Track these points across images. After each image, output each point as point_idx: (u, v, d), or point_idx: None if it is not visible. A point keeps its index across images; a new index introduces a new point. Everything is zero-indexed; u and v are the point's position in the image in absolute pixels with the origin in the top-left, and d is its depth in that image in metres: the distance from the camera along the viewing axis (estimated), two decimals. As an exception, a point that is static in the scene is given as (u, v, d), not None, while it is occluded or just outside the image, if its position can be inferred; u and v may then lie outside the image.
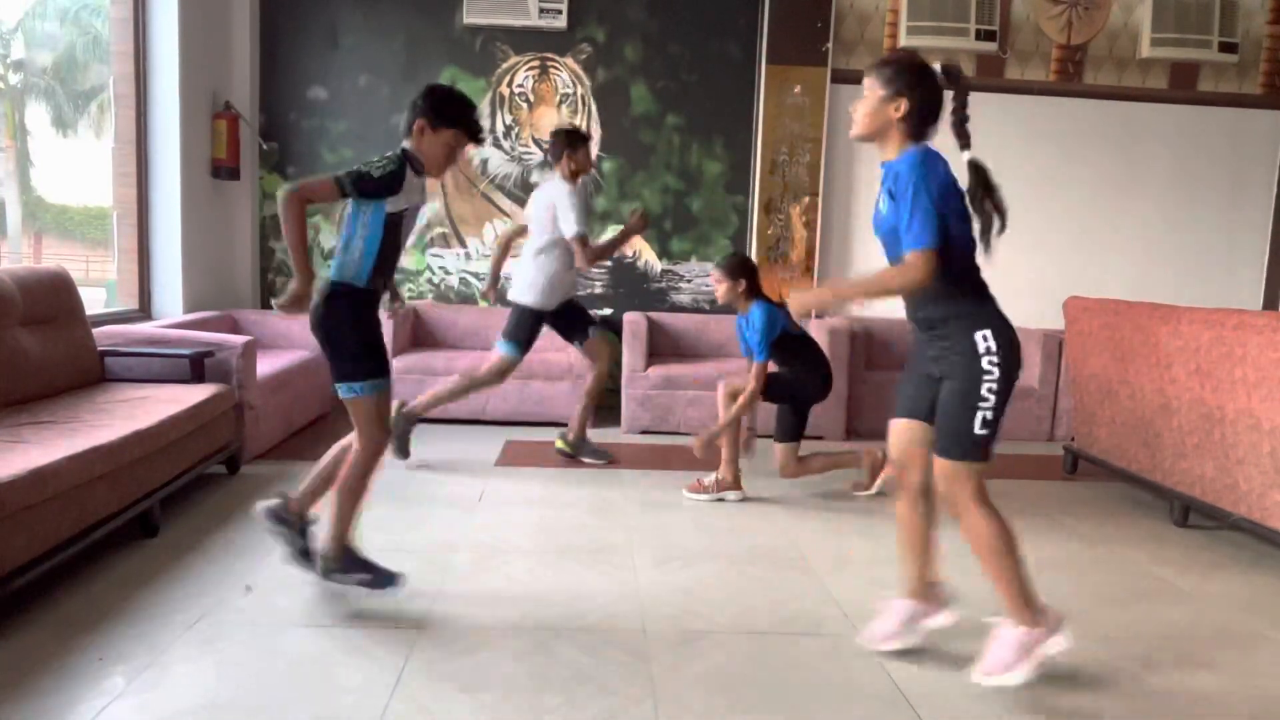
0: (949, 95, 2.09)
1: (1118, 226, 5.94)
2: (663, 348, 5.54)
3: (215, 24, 5.22)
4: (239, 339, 3.94)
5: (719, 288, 3.72)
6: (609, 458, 4.33)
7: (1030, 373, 5.30)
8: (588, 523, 3.40)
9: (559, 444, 4.36)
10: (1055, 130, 5.83)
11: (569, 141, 4.05)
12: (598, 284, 5.80)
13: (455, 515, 3.41)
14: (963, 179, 2.10)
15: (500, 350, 4.09)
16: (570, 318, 4.25)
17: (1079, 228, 5.93)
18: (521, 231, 4.35)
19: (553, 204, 4.01)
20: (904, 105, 1.99)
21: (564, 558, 2.99)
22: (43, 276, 3.56)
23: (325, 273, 2.47)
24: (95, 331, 3.79)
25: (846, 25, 5.67)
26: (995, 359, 1.99)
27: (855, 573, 2.95)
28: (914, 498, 2.25)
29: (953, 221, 1.98)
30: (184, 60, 4.84)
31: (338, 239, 2.47)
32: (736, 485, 3.78)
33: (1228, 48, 5.63)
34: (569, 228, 3.96)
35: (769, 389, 3.72)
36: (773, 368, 3.74)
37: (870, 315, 5.32)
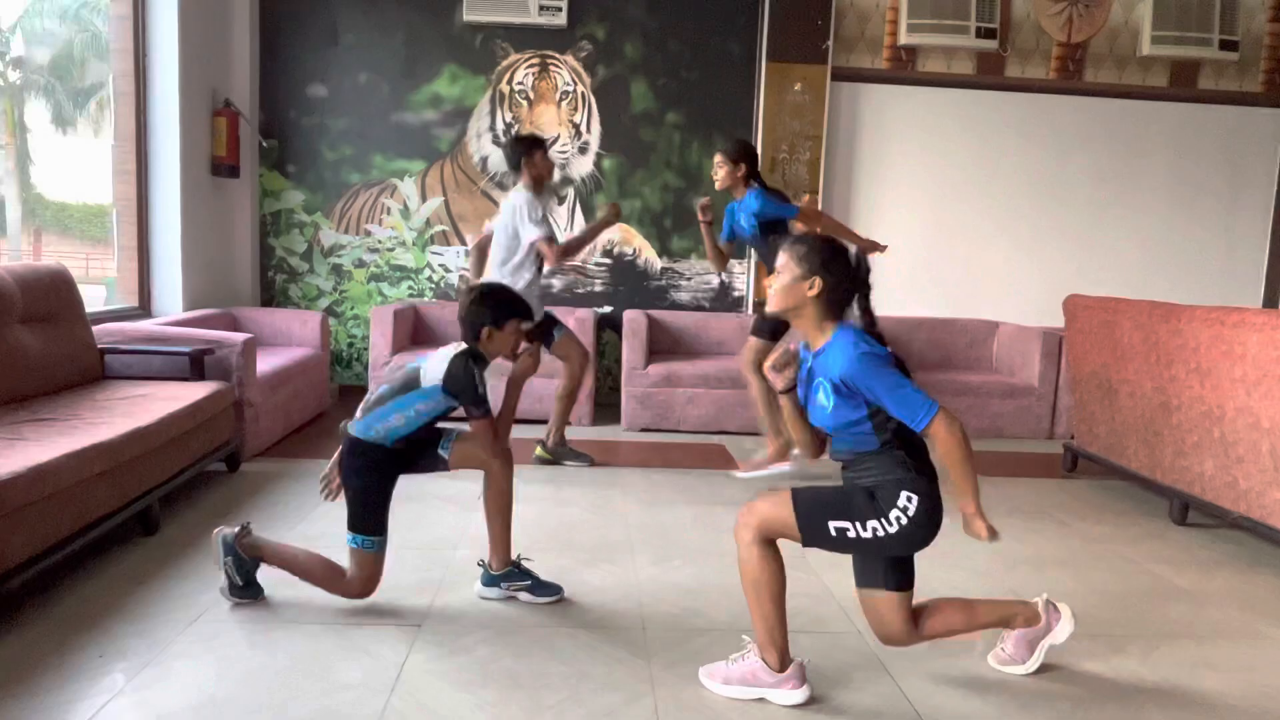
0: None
1: (1118, 224, 5.94)
2: (663, 345, 5.54)
3: (215, 21, 5.22)
4: (239, 336, 3.94)
5: (720, 172, 3.81)
6: (589, 460, 4.23)
7: (1030, 371, 5.31)
8: (587, 520, 3.40)
9: (539, 452, 4.22)
10: (1055, 128, 5.83)
11: (526, 148, 3.95)
12: (597, 282, 5.80)
13: (455, 513, 3.41)
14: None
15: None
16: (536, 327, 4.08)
17: (1079, 225, 5.93)
18: (488, 241, 4.18)
19: (514, 218, 3.92)
20: (817, 284, 1.98)
21: (564, 555, 2.99)
22: (42, 274, 3.56)
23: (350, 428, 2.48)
24: (95, 329, 3.79)
25: (847, 23, 5.66)
26: (903, 520, 1.95)
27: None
28: (752, 543, 2.20)
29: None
30: (184, 57, 4.83)
31: (374, 402, 2.46)
32: (783, 457, 3.88)
33: (1228, 45, 5.63)
34: (529, 233, 3.87)
35: (774, 329, 3.82)
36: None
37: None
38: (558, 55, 5.63)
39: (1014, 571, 3.00)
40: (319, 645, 2.25)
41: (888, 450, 1.99)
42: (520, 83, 5.62)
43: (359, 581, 2.45)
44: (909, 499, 1.96)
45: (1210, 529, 3.56)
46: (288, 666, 2.14)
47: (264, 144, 5.60)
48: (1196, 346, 3.36)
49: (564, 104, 5.65)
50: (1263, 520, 3.10)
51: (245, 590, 2.49)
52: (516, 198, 3.94)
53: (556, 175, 5.69)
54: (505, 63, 5.62)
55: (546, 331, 4.12)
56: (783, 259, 2.04)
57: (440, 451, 2.55)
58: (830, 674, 2.21)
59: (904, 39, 5.57)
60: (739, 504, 3.68)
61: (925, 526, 1.98)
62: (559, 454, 4.23)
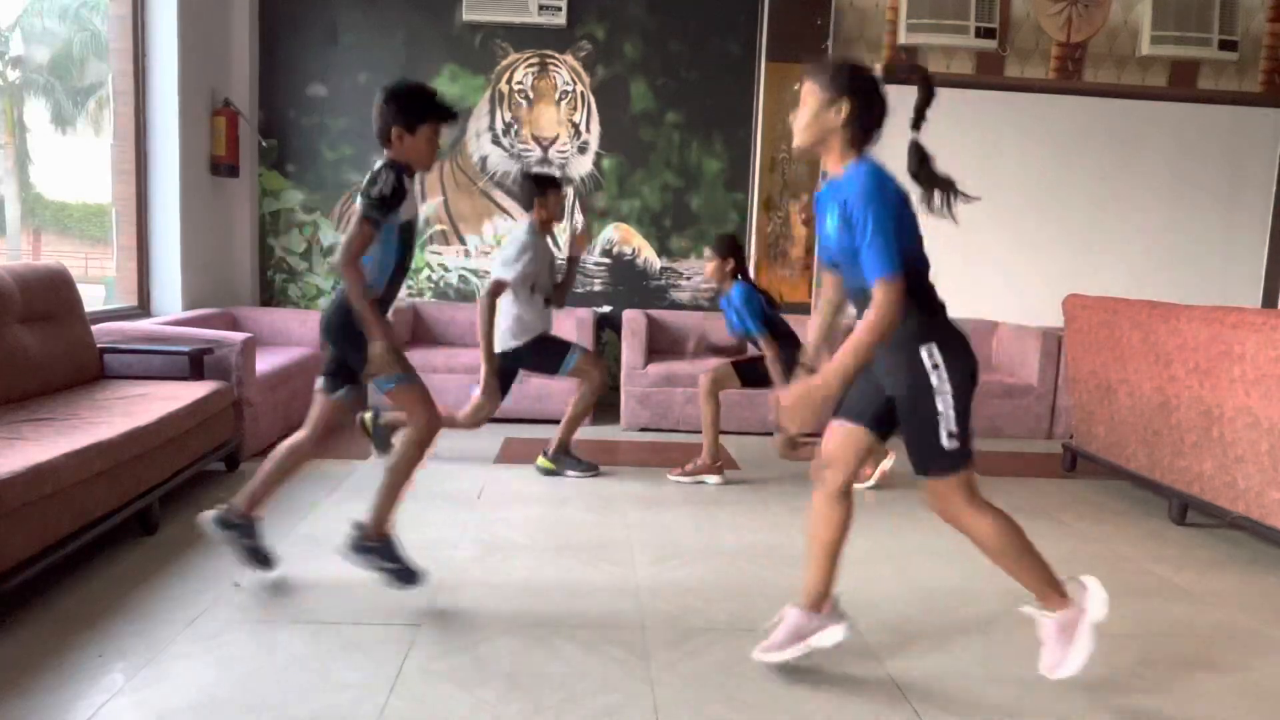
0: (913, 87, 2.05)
1: (1117, 224, 5.94)
2: (662, 345, 5.54)
3: (214, 21, 5.21)
4: (238, 336, 3.94)
5: (709, 266, 3.94)
6: (593, 468, 4.10)
7: (1029, 370, 5.31)
8: (587, 520, 3.40)
9: (540, 461, 4.10)
10: (1055, 128, 5.83)
11: (540, 188, 3.90)
12: (597, 282, 5.80)
13: (454, 512, 3.41)
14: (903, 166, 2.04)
15: (475, 395, 3.94)
16: (543, 354, 4.02)
17: (1078, 225, 5.93)
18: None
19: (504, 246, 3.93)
20: (846, 109, 1.91)
21: (563, 555, 2.99)
22: (42, 273, 3.56)
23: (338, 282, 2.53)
24: (94, 328, 3.78)
25: (846, 22, 5.66)
26: (943, 372, 1.92)
27: (853, 570, 2.94)
28: (830, 499, 2.14)
29: (904, 239, 1.89)
30: (183, 57, 4.83)
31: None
32: (717, 471, 3.96)
33: (1228, 45, 5.63)
34: (495, 265, 3.87)
35: (746, 374, 3.94)
36: (751, 352, 4.00)
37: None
38: (557, 55, 5.62)
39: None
40: (318, 645, 2.25)
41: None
42: (520, 82, 5.62)
43: (424, 414, 2.51)
44: (929, 352, 1.93)
45: (1209, 529, 3.56)
46: (287, 666, 2.14)
47: (263, 143, 5.60)
48: (1195, 346, 3.36)
49: (563, 103, 5.65)
50: (1262, 520, 3.10)
51: (405, 574, 2.53)
52: (517, 233, 3.92)
53: (556, 175, 5.69)
54: (505, 62, 5.62)
55: (557, 359, 4.02)
56: (807, 85, 1.96)
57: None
58: (825, 665, 2.21)
59: (903, 39, 5.57)
60: (738, 502, 3.70)
61: (960, 358, 1.94)
62: (561, 464, 4.09)
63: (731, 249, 3.90)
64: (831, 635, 2.16)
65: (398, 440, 2.64)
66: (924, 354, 1.94)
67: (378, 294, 2.49)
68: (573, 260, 4.14)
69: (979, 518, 2.03)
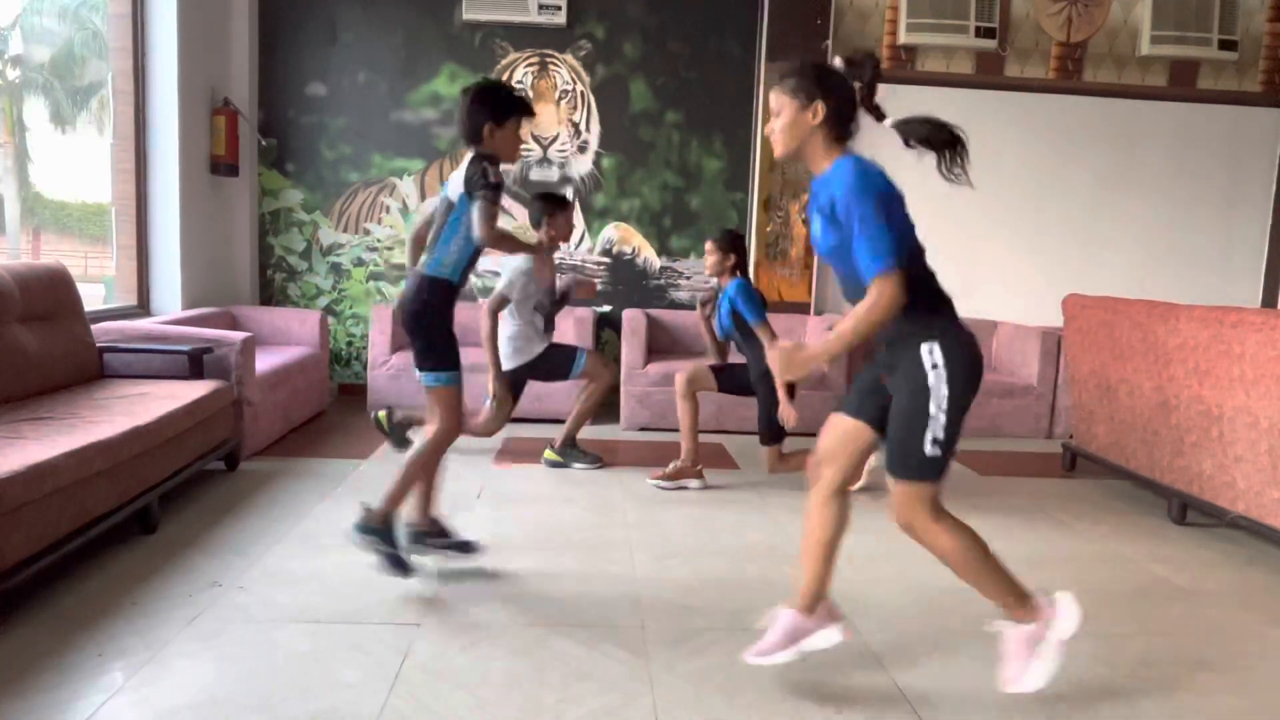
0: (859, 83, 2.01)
1: (1117, 224, 5.94)
2: (662, 345, 5.54)
3: (214, 20, 5.21)
4: (238, 335, 3.94)
5: (710, 258, 3.90)
6: (598, 460, 4.22)
7: (1029, 370, 5.31)
8: (586, 519, 3.40)
9: (547, 454, 4.20)
10: (1054, 128, 5.83)
11: (549, 208, 3.95)
12: (596, 281, 5.80)
13: (454, 512, 3.41)
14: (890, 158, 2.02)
15: (488, 405, 4.06)
16: (550, 364, 4.11)
17: (1078, 225, 5.93)
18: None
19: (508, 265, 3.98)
20: (820, 109, 1.91)
21: (563, 554, 2.99)
22: (41, 272, 3.56)
23: (422, 269, 2.61)
24: (94, 328, 3.78)
25: (846, 22, 5.66)
26: (943, 373, 1.87)
27: (852, 570, 2.95)
28: (826, 496, 2.10)
29: (896, 230, 1.86)
30: (183, 56, 4.83)
31: (433, 240, 2.60)
32: (697, 475, 3.93)
33: (1227, 45, 5.63)
34: (500, 281, 3.94)
35: (726, 380, 3.92)
36: (735, 359, 4.01)
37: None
38: (557, 54, 5.62)
39: (1012, 570, 3.00)
40: (318, 644, 2.25)
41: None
42: (519, 82, 5.62)
43: (452, 418, 2.61)
44: (930, 350, 1.88)
45: (1209, 528, 3.56)
46: (287, 665, 2.14)
47: (263, 143, 5.60)
48: (1195, 346, 3.36)
49: (563, 103, 5.65)
50: (1261, 519, 3.10)
51: (397, 562, 2.61)
52: (518, 261, 3.96)
53: (555, 174, 5.69)
54: (504, 61, 5.62)
55: (564, 367, 4.12)
56: (776, 98, 1.96)
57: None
58: (825, 668, 2.21)
59: (903, 38, 5.57)
60: (737, 502, 3.70)
61: (964, 362, 1.89)
62: (567, 456, 4.20)
63: (734, 244, 3.89)
64: (827, 637, 2.12)
65: (415, 436, 2.68)
66: (924, 351, 1.89)
67: (454, 283, 2.61)
68: (563, 297, 4.17)
69: (940, 532, 1.96)
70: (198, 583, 2.61)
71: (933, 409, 1.88)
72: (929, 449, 1.89)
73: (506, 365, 4.03)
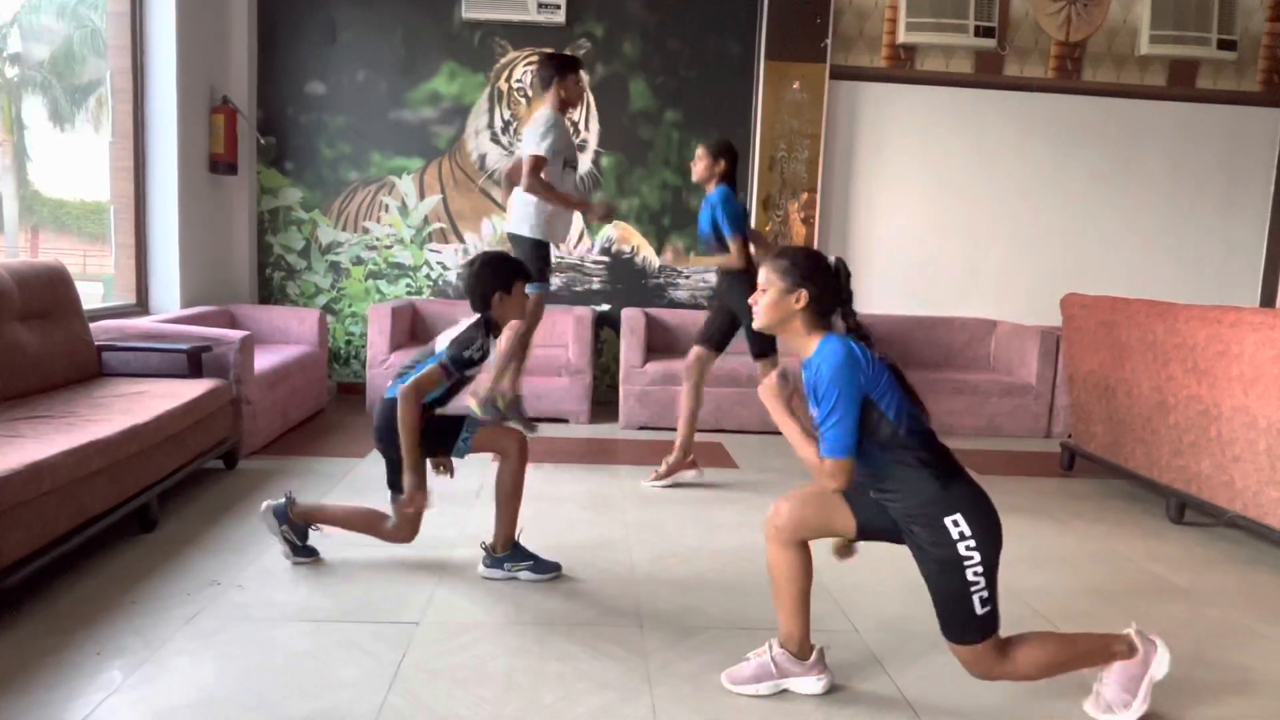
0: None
1: (1115, 223, 5.95)
2: (660, 343, 5.54)
3: (213, 18, 5.21)
4: (236, 334, 3.93)
5: (698, 164, 3.80)
6: (528, 423, 4.11)
7: (1028, 369, 5.31)
8: (585, 518, 3.40)
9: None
10: (1054, 127, 5.83)
11: (558, 68, 3.87)
12: (595, 280, 5.80)
13: (452, 510, 3.41)
14: None
15: (528, 290, 3.93)
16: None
17: (1077, 224, 5.93)
18: (518, 167, 4.04)
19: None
20: (803, 296, 1.98)
21: (561, 553, 2.99)
22: (40, 270, 3.55)
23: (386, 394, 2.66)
24: (92, 326, 3.78)
25: (845, 21, 5.66)
26: (972, 543, 1.90)
27: (850, 569, 2.95)
28: (784, 546, 2.08)
29: (884, 400, 1.91)
30: (181, 54, 4.82)
31: (407, 368, 2.65)
32: (691, 465, 3.91)
33: (1226, 45, 5.63)
34: (528, 145, 3.79)
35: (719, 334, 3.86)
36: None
37: (861, 312, 5.32)
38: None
39: (1011, 569, 2.99)
40: (316, 642, 2.25)
41: (898, 458, 1.93)
42: (519, 80, 5.62)
43: (404, 530, 2.71)
44: (954, 521, 1.90)
45: (1207, 528, 3.56)
46: (285, 664, 2.14)
47: (262, 141, 5.60)
48: (1194, 345, 3.36)
49: (562, 102, 5.64)
50: (1259, 519, 3.11)
51: (305, 550, 2.80)
52: (538, 114, 3.87)
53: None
54: (504, 60, 5.62)
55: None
56: (765, 275, 2.03)
57: (465, 432, 2.69)
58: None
59: (903, 37, 5.57)
60: (736, 501, 3.70)
61: (986, 521, 1.92)
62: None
63: (726, 151, 3.76)
64: (809, 686, 2.10)
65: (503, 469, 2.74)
66: (949, 525, 1.91)
67: (423, 405, 2.63)
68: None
69: (1017, 663, 1.99)
70: (196, 581, 2.61)
71: (971, 576, 1.92)
72: (980, 610, 1.93)
73: (530, 232, 3.92)
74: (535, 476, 3.97)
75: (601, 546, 3.08)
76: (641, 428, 5.08)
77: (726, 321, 3.89)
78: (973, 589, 1.91)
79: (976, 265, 5.86)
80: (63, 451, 2.48)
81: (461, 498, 3.57)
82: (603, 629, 2.41)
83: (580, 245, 5.78)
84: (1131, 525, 3.60)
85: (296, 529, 2.77)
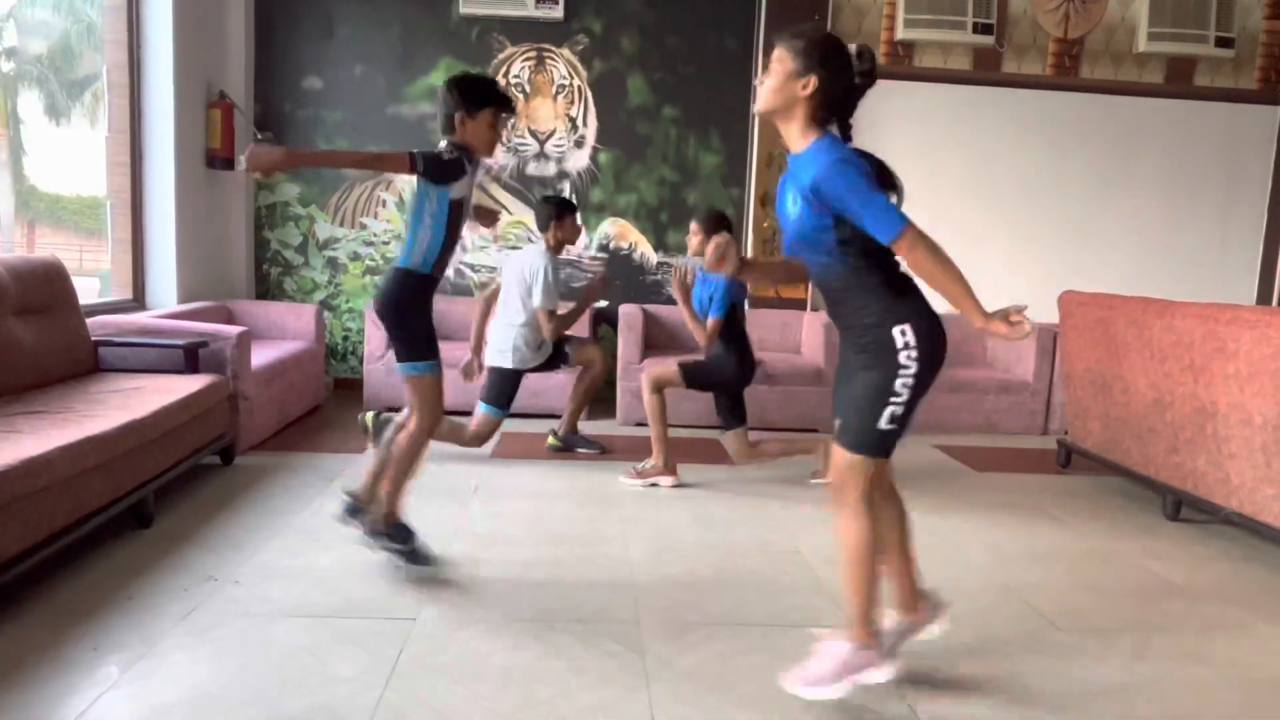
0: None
1: (1113, 221, 5.95)
2: (658, 340, 5.54)
3: (209, 12, 5.19)
4: (233, 329, 3.93)
5: (694, 239, 3.87)
6: (601, 448, 4.40)
7: (1025, 366, 5.32)
8: (582, 514, 3.40)
9: (551, 441, 4.41)
10: (1051, 124, 5.83)
11: (557, 211, 4.12)
12: (592, 277, 5.79)
13: (450, 506, 3.41)
14: None
15: (482, 411, 4.12)
16: (548, 360, 4.28)
17: (1074, 222, 5.93)
18: (496, 294, 4.24)
19: (530, 276, 4.06)
20: (812, 83, 1.86)
21: (558, 549, 2.99)
22: (36, 265, 3.54)
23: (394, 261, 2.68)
24: (89, 321, 3.77)
25: (844, 18, 5.66)
26: (914, 353, 1.86)
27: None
28: (855, 514, 1.98)
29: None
30: (178, 49, 4.81)
31: (404, 229, 2.67)
32: (670, 472, 3.86)
33: (1224, 42, 5.64)
34: (537, 300, 4.04)
35: (692, 376, 3.85)
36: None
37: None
38: (554, 48, 5.61)
39: (1007, 566, 3.01)
40: (314, 638, 2.25)
41: (861, 274, 1.88)
42: (516, 76, 5.61)
43: (432, 409, 2.66)
44: (902, 331, 1.86)
45: (1203, 525, 3.57)
46: (282, 659, 2.14)
47: (259, 136, 5.58)
48: (1190, 343, 3.37)
49: (560, 97, 5.64)
50: (1254, 516, 3.11)
51: (416, 556, 2.69)
52: (537, 259, 4.08)
53: (552, 169, 5.68)
54: (501, 56, 5.61)
55: (560, 354, 4.28)
56: (778, 51, 1.90)
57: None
58: (824, 668, 2.22)
59: (901, 34, 5.57)
60: (734, 498, 3.70)
61: (931, 346, 1.88)
62: (571, 441, 4.39)
63: (718, 225, 3.81)
64: (882, 674, 2.00)
65: (394, 429, 2.73)
66: (896, 332, 1.88)
67: (425, 274, 2.62)
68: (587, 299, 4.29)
69: (858, 514, 1.93)
70: (193, 577, 2.61)
71: (898, 386, 1.88)
72: (884, 424, 1.89)
73: (513, 364, 4.10)
74: (532, 473, 3.98)
75: (599, 542, 3.08)
76: (639, 424, 5.07)
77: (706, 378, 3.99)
78: (891, 399, 1.87)
79: (973, 262, 5.81)
80: (59, 447, 2.47)
81: (459, 494, 3.57)
82: (600, 625, 2.41)
83: (578, 242, 5.76)
84: (1127, 522, 3.61)
85: (397, 534, 2.67)
